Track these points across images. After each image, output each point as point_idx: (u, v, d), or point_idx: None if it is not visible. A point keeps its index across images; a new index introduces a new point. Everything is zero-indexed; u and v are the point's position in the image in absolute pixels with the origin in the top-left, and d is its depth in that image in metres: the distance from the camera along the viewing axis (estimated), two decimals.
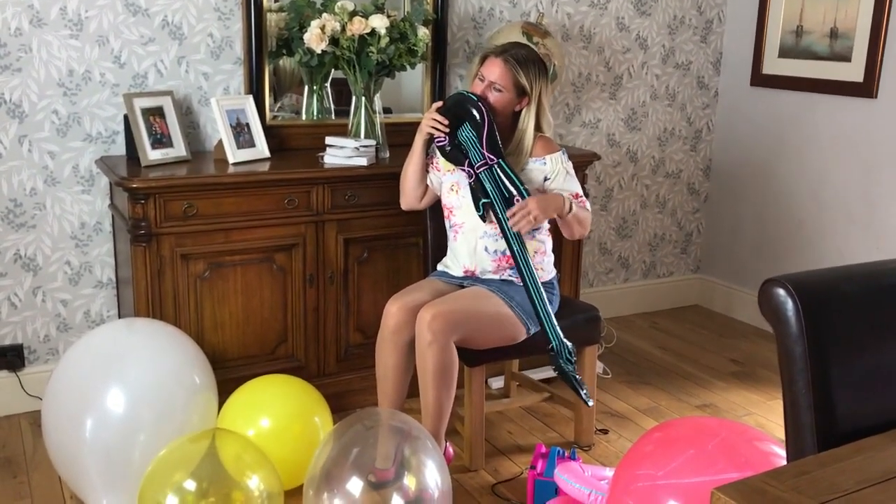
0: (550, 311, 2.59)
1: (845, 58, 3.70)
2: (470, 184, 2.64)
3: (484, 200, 2.61)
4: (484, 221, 2.65)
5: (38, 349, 3.09)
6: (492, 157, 2.58)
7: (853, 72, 3.67)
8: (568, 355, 2.55)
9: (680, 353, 3.86)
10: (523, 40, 3.29)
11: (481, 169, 2.59)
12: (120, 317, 3.14)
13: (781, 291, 1.34)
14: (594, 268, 4.20)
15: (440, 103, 2.69)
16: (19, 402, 3.06)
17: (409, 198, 2.81)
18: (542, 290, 2.58)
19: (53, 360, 3.10)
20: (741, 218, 4.29)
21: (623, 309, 4.29)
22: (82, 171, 3.03)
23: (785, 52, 3.96)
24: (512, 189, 2.58)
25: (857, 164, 3.72)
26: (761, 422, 3.19)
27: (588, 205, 2.73)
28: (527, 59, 2.66)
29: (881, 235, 3.64)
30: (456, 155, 2.65)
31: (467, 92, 2.66)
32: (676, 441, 2.02)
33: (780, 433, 3.04)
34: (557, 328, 2.57)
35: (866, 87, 3.62)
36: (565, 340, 2.57)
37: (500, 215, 2.58)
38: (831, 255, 3.86)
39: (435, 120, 2.62)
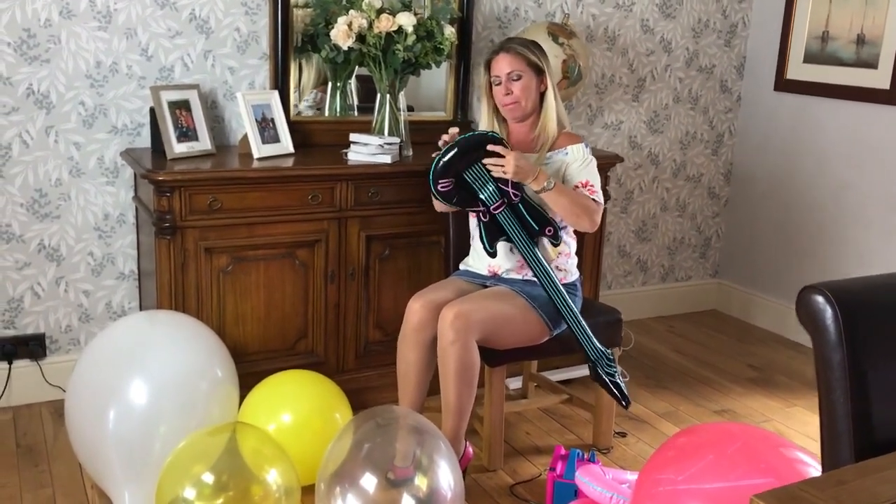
0: (585, 326, 2.59)
1: (871, 65, 3.67)
2: (482, 222, 2.60)
3: (503, 238, 2.58)
4: (493, 258, 2.63)
5: (60, 339, 3.10)
6: (516, 192, 2.54)
7: (879, 79, 3.64)
8: (608, 364, 2.56)
9: (697, 357, 3.85)
10: (549, 41, 3.28)
11: (499, 209, 2.54)
12: (141, 309, 3.15)
13: (820, 299, 1.33)
14: (612, 270, 4.18)
15: (456, 130, 2.60)
16: (41, 391, 3.07)
17: (444, 207, 2.79)
18: (576, 310, 2.58)
19: (75, 351, 3.11)
20: (761, 223, 4.27)
21: (641, 312, 4.28)
22: (107, 163, 3.04)
23: (810, 58, 3.94)
24: (536, 224, 2.55)
25: (880, 171, 3.70)
26: (780, 428, 3.17)
27: (599, 196, 2.65)
28: (526, 42, 2.70)
29: None
30: (464, 198, 2.55)
31: (485, 132, 2.57)
32: (699, 446, 2.01)
33: (799, 440, 3.06)
34: (594, 340, 2.58)
35: (893, 95, 3.60)
36: (602, 348, 2.57)
37: (526, 251, 2.56)
38: (851, 263, 3.84)
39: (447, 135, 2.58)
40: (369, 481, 2.11)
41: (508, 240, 2.59)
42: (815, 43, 3.91)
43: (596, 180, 2.67)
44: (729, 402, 3.39)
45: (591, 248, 3.38)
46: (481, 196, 2.55)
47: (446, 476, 2.17)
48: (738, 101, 4.31)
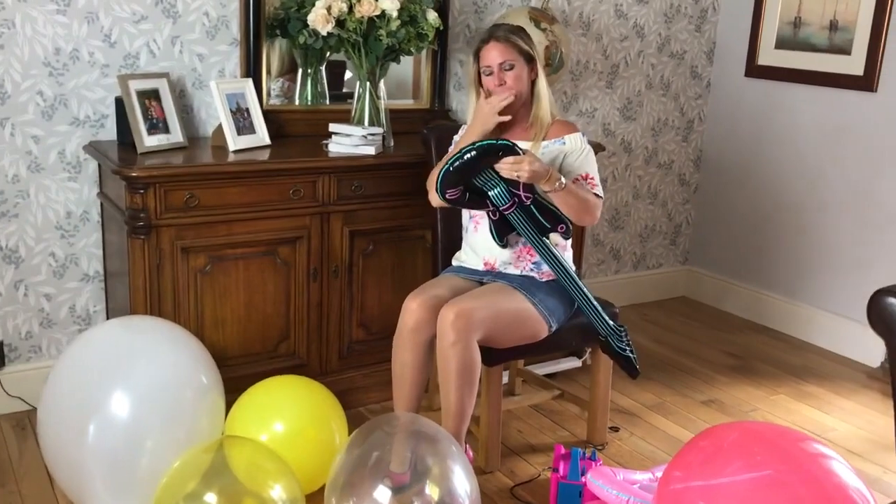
0: (597, 304, 2.56)
1: (845, 51, 3.68)
2: (491, 219, 2.52)
3: (513, 233, 2.53)
4: (505, 247, 2.57)
5: (20, 346, 2.89)
6: (528, 194, 2.44)
7: (853, 65, 3.65)
8: (620, 339, 2.55)
9: (676, 346, 3.83)
10: (531, 27, 3.18)
11: (510, 210, 2.45)
12: (108, 312, 2.97)
13: (895, 301, 1.27)
14: (587, 259, 4.13)
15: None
16: None
17: (441, 202, 2.67)
18: (586, 290, 2.55)
19: (36, 359, 2.91)
20: (730, 209, 4.27)
21: (614, 301, 4.16)
22: (69, 157, 2.84)
23: (782, 44, 3.93)
24: (548, 223, 2.49)
25: (854, 157, 3.71)
26: (768, 417, 3.16)
27: (600, 189, 2.60)
28: (514, 29, 2.59)
29: (878, 228, 3.65)
30: (473, 200, 2.47)
31: (493, 140, 2.44)
32: (723, 448, 1.96)
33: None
34: (605, 316, 2.56)
35: (866, 81, 3.61)
36: (613, 323, 2.56)
37: (537, 245, 2.49)
38: (823, 250, 3.86)
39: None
40: (382, 493, 2.00)
41: (519, 235, 2.51)
42: (787, 28, 3.90)
43: (595, 172, 2.60)
44: (714, 391, 3.37)
45: (574, 238, 3.30)
46: (491, 196, 2.45)
47: (462, 482, 2.08)
48: (708, 87, 4.28)
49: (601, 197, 2.57)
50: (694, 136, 4.32)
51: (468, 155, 2.36)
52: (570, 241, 2.68)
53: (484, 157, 2.37)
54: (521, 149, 2.42)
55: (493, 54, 2.53)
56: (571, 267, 2.70)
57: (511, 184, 2.42)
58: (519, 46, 2.54)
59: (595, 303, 2.56)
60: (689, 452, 1.98)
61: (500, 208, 2.45)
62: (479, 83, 2.60)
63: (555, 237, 2.57)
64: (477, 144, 2.37)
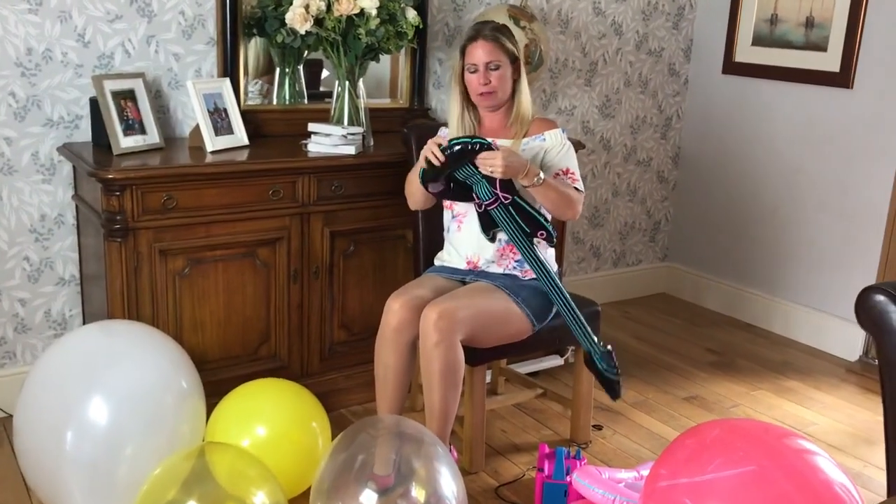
0: (583, 320, 2.50)
1: (821, 47, 3.70)
2: (477, 212, 2.50)
3: (496, 230, 2.50)
4: (492, 242, 2.55)
5: None
6: (506, 195, 2.42)
7: (829, 62, 3.67)
8: (608, 364, 2.49)
9: (656, 343, 3.83)
10: (510, 24, 3.17)
11: (493, 206, 2.43)
12: (84, 316, 2.92)
13: (883, 298, 1.27)
14: (567, 257, 4.12)
15: (441, 139, 2.45)
16: None
17: (419, 204, 2.64)
18: (573, 304, 2.50)
19: (11, 364, 2.85)
20: (709, 206, 4.28)
21: (595, 298, 4.18)
22: (42, 159, 2.78)
23: (758, 41, 3.95)
24: (528, 226, 2.44)
25: (831, 153, 3.74)
26: (749, 412, 3.18)
27: (580, 184, 2.60)
28: (500, 27, 2.59)
29: (855, 224, 3.67)
30: (457, 192, 2.47)
31: (469, 137, 2.44)
32: (708, 445, 1.96)
33: (769, 423, 3.05)
34: (591, 333, 2.51)
35: (842, 78, 3.63)
36: (601, 347, 2.50)
37: (521, 246, 2.46)
38: (803, 246, 3.88)
39: (433, 154, 2.40)
40: (368, 497, 1.98)
41: (503, 234, 2.50)
42: (763, 25, 3.92)
43: (576, 167, 2.60)
44: (695, 388, 3.38)
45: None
46: (475, 189, 2.43)
47: (449, 484, 2.06)
48: (686, 84, 4.29)
49: (582, 191, 2.57)
50: (672, 134, 4.33)
51: (447, 152, 2.35)
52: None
53: (460, 155, 2.37)
54: (498, 146, 2.42)
55: (480, 53, 2.52)
56: (554, 267, 2.70)
57: (492, 182, 2.40)
58: (505, 47, 2.54)
59: (580, 316, 2.50)
60: (675, 450, 1.98)
61: (484, 203, 2.43)
62: (462, 80, 2.58)
63: (540, 246, 2.56)
64: (453, 141, 2.37)
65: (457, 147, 2.37)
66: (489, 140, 2.40)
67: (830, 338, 3.77)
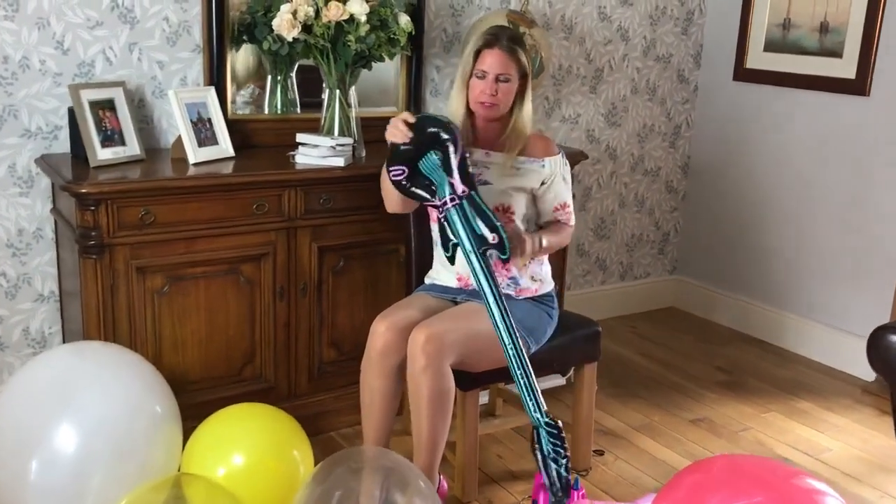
0: (534, 385, 2.19)
1: (836, 53, 3.55)
2: (439, 219, 2.31)
3: (453, 242, 2.27)
4: (452, 264, 2.35)
5: None
6: (464, 188, 2.23)
7: (845, 68, 3.52)
8: (556, 446, 2.14)
9: (664, 360, 3.69)
10: None
11: (452, 205, 2.23)
12: (64, 333, 2.81)
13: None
14: (572, 270, 3.99)
15: (408, 115, 2.32)
16: None
17: (394, 205, 2.50)
18: (524, 358, 2.21)
19: None
20: (720, 217, 4.13)
21: (601, 312, 4.09)
22: (20, 171, 2.68)
23: (771, 47, 3.80)
24: (484, 229, 2.21)
25: (846, 163, 3.58)
26: (760, 437, 3.03)
27: (573, 218, 2.56)
28: (518, 38, 2.47)
29: (872, 237, 3.51)
30: (416, 190, 2.29)
31: (438, 116, 2.33)
32: (709, 482, 1.82)
33: (781, 449, 2.91)
34: (540, 400, 2.18)
35: (858, 85, 3.48)
36: (549, 420, 2.16)
37: (473, 258, 2.21)
38: (817, 258, 3.72)
39: (398, 130, 2.27)
40: None
41: (459, 247, 2.26)
42: (776, 31, 3.77)
43: (570, 198, 2.55)
44: (704, 409, 3.23)
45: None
46: (437, 185, 2.26)
47: None
48: (696, 91, 4.15)
49: (573, 225, 2.57)
50: (681, 142, 4.19)
51: (418, 124, 2.27)
52: (546, 256, 2.55)
53: (431, 130, 2.27)
54: (469, 149, 2.33)
55: (493, 62, 2.38)
56: (551, 285, 2.57)
57: (452, 175, 2.24)
58: (520, 62, 2.42)
59: (531, 374, 2.18)
60: (675, 487, 1.85)
61: (441, 199, 2.25)
62: (467, 81, 2.44)
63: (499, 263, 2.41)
64: (424, 116, 2.31)
65: (429, 125, 2.26)
66: (454, 130, 2.27)
67: (845, 356, 3.61)
